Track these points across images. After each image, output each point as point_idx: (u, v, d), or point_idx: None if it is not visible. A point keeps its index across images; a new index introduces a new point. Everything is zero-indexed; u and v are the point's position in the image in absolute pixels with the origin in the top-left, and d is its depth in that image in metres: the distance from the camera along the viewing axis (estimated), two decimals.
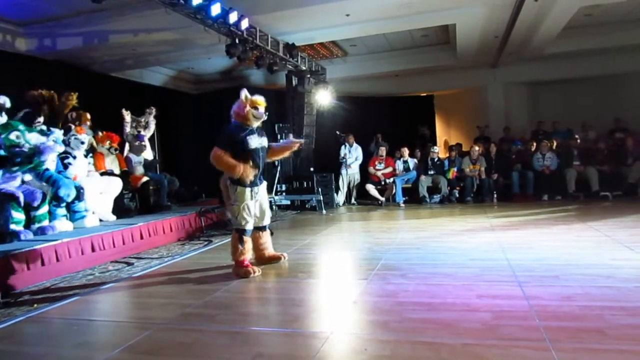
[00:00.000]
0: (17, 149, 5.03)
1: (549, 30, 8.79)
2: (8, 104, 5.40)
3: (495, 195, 9.26)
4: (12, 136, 5.03)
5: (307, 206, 9.42)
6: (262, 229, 4.43)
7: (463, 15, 8.02)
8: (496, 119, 11.89)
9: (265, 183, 4.42)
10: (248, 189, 4.15)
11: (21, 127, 5.19)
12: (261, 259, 4.46)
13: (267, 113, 4.23)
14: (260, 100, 4.20)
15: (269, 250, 4.52)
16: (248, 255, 4.16)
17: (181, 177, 8.49)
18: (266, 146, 4.36)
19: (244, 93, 4.17)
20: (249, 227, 4.19)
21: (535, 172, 9.16)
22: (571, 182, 8.86)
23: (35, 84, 6.74)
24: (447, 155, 10.25)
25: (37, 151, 5.05)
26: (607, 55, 10.33)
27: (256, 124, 4.25)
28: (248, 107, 4.15)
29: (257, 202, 4.25)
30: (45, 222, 5.20)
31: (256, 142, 4.18)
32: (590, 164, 8.92)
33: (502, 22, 8.54)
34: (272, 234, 4.68)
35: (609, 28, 9.46)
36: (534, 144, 9.59)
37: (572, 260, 4.00)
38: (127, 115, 7.56)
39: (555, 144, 9.79)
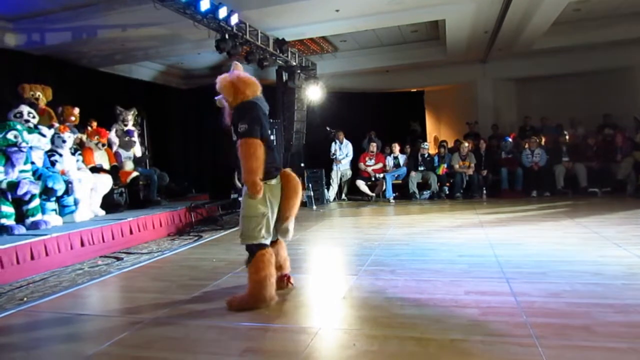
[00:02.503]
0: (14, 149, 5.00)
1: (538, 25, 8.85)
2: None
3: (484, 192, 9.33)
4: (10, 136, 5.02)
5: None
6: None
7: (452, 10, 8.04)
8: (485, 115, 11.96)
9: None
10: (275, 181, 3.16)
11: (19, 126, 5.17)
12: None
13: None
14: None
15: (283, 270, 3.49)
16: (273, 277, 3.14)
17: (171, 172, 8.45)
18: None
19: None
20: (264, 241, 3.14)
21: (524, 168, 9.23)
22: (560, 179, 8.94)
23: (24, 79, 6.71)
24: (437, 151, 10.29)
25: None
26: (597, 50, 10.40)
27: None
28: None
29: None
30: (39, 216, 5.19)
31: None
32: (579, 160, 8.99)
33: (492, 18, 8.58)
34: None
35: (597, 23, 9.51)
36: (525, 144, 9.60)
37: (560, 256, 4.05)
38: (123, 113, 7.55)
39: (543, 140, 9.87)
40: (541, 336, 2.36)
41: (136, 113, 7.94)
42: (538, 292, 3.08)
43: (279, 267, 3.38)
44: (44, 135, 5.53)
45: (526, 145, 9.54)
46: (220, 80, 3.22)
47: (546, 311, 2.73)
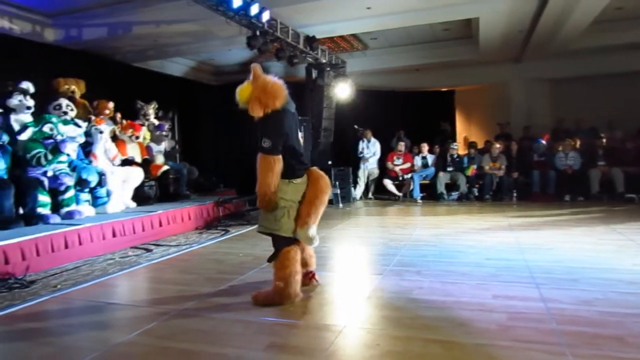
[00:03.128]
0: (51, 141, 5.17)
1: (576, 24, 8.57)
2: (32, 89, 5.55)
3: (514, 194, 9.14)
4: (45, 128, 5.20)
5: None
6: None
7: (487, 8, 7.88)
8: (518, 116, 11.68)
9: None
10: (287, 181, 3.13)
11: (54, 119, 5.34)
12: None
13: None
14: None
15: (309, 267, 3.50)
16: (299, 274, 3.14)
17: (200, 167, 8.56)
18: None
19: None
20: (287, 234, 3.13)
21: (557, 171, 9.00)
22: (595, 183, 8.67)
23: (61, 73, 6.91)
24: (467, 152, 10.13)
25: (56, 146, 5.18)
26: (638, 50, 10.03)
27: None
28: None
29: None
30: (73, 207, 5.35)
31: None
32: (616, 165, 8.71)
33: (527, 16, 8.37)
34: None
35: None
36: (559, 146, 9.35)
37: (593, 263, 3.93)
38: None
39: (578, 142, 9.59)
40: (571, 345, 2.30)
41: (156, 106, 8.07)
42: (569, 299, 3.00)
43: (305, 264, 3.37)
44: (79, 126, 5.70)
45: (560, 148, 9.30)
46: (242, 93, 3.11)
47: (577, 319, 2.66)
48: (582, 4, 7.52)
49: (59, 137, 5.26)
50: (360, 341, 2.51)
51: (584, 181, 8.74)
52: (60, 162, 5.27)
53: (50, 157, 5.10)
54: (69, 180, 5.19)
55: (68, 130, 5.46)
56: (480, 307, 2.89)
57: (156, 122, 7.74)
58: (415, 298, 3.14)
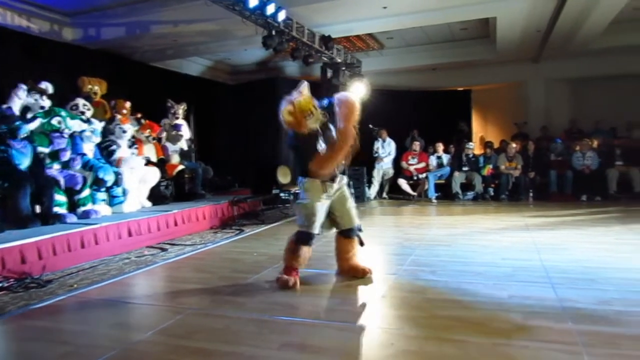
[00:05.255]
0: (57, 134, 5.24)
1: (595, 24, 8.46)
2: (50, 90, 5.62)
3: (531, 194, 9.04)
4: (54, 121, 5.26)
5: None
6: (347, 234, 3.70)
7: (504, 8, 7.82)
8: (536, 116, 11.56)
9: (345, 178, 3.76)
10: (318, 181, 3.47)
11: (63, 113, 5.40)
12: (342, 270, 3.75)
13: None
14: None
15: (353, 261, 3.72)
16: (299, 264, 3.53)
17: (216, 166, 8.61)
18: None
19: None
20: (314, 231, 3.50)
21: (575, 171, 8.89)
22: (612, 183, 8.56)
23: (80, 72, 7.00)
24: (483, 151, 10.05)
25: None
26: None
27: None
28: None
29: (330, 202, 3.57)
30: (89, 206, 5.40)
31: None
32: (633, 165, 8.59)
33: (545, 16, 8.28)
34: (362, 244, 3.78)
35: None
36: (577, 146, 9.24)
37: (610, 263, 3.88)
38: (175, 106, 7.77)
39: (596, 142, 9.46)
40: (589, 344, 2.27)
41: (186, 107, 8.12)
42: (586, 298, 2.96)
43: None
44: (85, 122, 5.74)
45: (577, 148, 9.18)
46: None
47: (594, 319, 2.63)
48: (601, 4, 7.43)
49: (66, 131, 5.31)
50: (375, 340, 2.51)
51: (602, 181, 8.64)
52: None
53: (47, 160, 5.17)
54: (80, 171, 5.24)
55: (74, 124, 5.52)
56: (496, 307, 2.87)
57: (177, 122, 7.76)
58: (430, 297, 3.13)
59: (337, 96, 3.52)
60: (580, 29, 8.69)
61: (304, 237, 3.50)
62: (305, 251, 3.51)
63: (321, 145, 3.45)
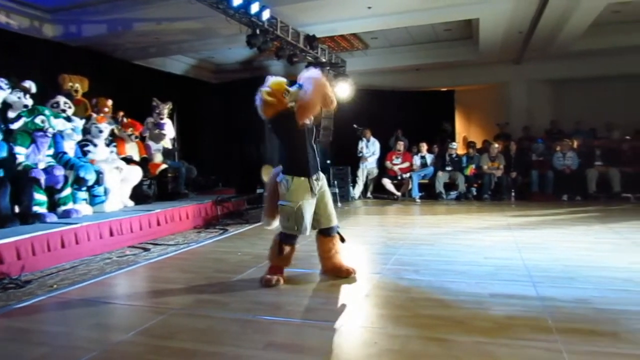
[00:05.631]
0: (40, 133, 5.15)
1: (575, 27, 8.61)
2: (34, 89, 5.52)
3: (513, 194, 9.16)
4: (37, 120, 5.16)
5: None
6: (327, 232, 3.66)
7: (487, 9, 7.91)
8: (518, 117, 11.71)
9: (323, 176, 3.69)
10: (306, 180, 3.45)
11: (47, 112, 5.31)
12: (326, 269, 3.72)
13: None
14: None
15: (336, 259, 3.68)
16: (284, 264, 3.59)
17: (199, 165, 8.56)
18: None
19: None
20: (304, 233, 3.50)
21: (556, 171, 9.03)
22: (592, 183, 8.71)
23: (60, 69, 6.90)
24: (466, 151, 10.15)
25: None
26: (636, 53, 10.03)
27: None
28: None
29: (315, 200, 3.53)
30: (70, 205, 5.32)
31: None
32: (613, 165, 8.75)
33: (527, 18, 8.39)
34: (343, 240, 3.74)
35: (637, 26, 9.22)
36: (557, 147, 9.38)
37: (590, 262, 3.95)
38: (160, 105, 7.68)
39: (576, 143, 9.63)
40: (567, 342, 2.30)
41: (171, 107, 8.04)
42: (565, 297, 3.01)
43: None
44: (68, 120, 5.66)
45: (558, 148, 9.33)
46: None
47: (573, 317, 2.67)
48: (581, 7, 7.56)
49: (50, 130, 5.23)
50: (358, 339, 2.51)
51: (582, 181, 8.79)
52: (48, 155, 5.25)
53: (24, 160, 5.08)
54: (59, 172, 5.14)
55: (57, 123, 5.44)
56: (478, 306, 2.90)
57: (160, 121, 7.67)
58: (413, 296, 3.15)
59: (305, 74, 3.53)
60: (560, 31, 8.83)
61: (288, 238, 3.53)
62: (290, 251, 3.56)
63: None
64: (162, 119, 7.61)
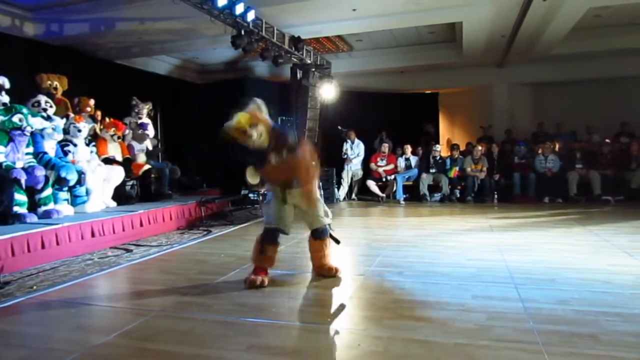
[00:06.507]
0: (18, 132, 5.07)
1: (556, 30, 8.73)
2: (7, 85, 5.41)
3: (496, 196, 9.25)
4: (15, 119, 5.08)
5: None
6: (315, 234, 3.74)
7: (470, 13, 7.98)
8: (500, 119, 11.85)
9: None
10: (277, 188, 3.62)
11: (25, 110, 5.23)
12: (315, 269, 3.81)
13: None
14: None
15: (324, 260, 3.75)
16: (267, 264, 3.60)
17: (183, 166, 8.50)
18: None
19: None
20: (283, 229, 3.60)
21: (538, 174, 9.15)
22: (573, 185, 8.84)
23: (41, 68, 6.79)
24: (450, 154, 10.23)
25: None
26: (616, 57, 10.21)
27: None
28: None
29: (293, 205, 3.65)
30: (51, 205, 5.24)
31: None
32: (593, 168, 8.90)
33: (510, 22, 8.49)
34: (337, 242, 3.88)
35: (618, 30, 9.35)
36: (539, 149, 9.52)
37: (570, 264, 4.00)
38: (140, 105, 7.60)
39: (557, 146, 9.77)
40: (547, 343, 2.33)
41: (151, 107, 7.97)
42: (546, 298, 3.05)
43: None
44: (46, 119, 5.57)
45: (540, 151, 9.46)
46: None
47: (553, 318, 2.70)
48: (562, 11, 7.67)
49: (28, 129, 5.15)
50: (341, 341, 2.52)
51: (563, 184, 8.91)
52: (27, 153, 5.18)
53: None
54: (40, 172, 5.06)
55: (35, 122, 5.35)
56: (460, 307, 2.92)
57: (142, 121, 7.61)
58: (396, 298, 3.16)
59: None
60: (542, 35, 8.95)
61: (269, 235, 3.57)
62: (273, 250, 3.58)
63: (273, 159, 3.49)
64: (140, 118, 7.56)
